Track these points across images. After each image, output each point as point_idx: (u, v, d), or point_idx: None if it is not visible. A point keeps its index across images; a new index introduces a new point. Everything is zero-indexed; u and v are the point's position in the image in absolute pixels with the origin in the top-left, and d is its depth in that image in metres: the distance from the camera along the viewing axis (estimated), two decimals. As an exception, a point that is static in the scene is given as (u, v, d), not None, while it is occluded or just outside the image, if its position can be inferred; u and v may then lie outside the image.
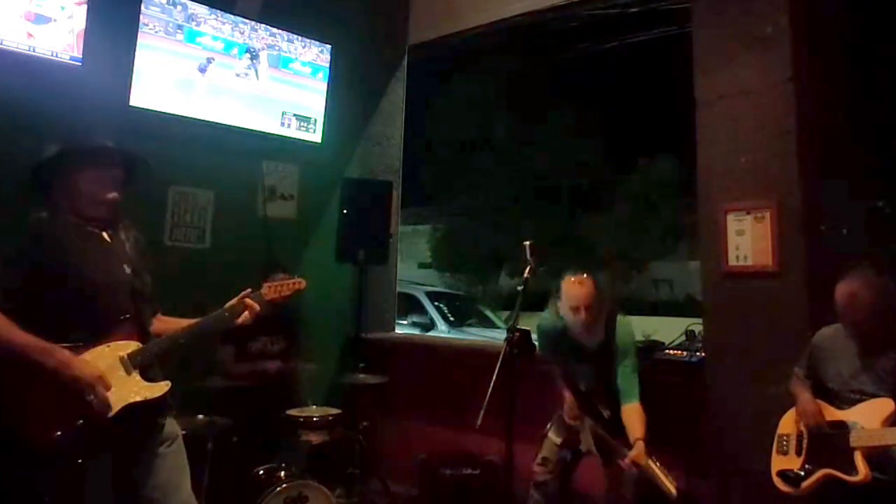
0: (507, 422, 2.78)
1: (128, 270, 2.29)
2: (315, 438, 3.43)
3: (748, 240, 3.20)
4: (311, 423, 3.46)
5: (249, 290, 2.47)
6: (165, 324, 2.42)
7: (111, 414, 2.09)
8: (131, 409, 2.15)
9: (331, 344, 4.80)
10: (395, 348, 4.95)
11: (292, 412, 3.52)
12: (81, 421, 2.02)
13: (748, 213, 3.20)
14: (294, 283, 2.54)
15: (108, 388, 2.11)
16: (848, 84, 3.38)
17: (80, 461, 2.03)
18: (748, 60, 3.27)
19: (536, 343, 3.44)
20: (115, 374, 2.15)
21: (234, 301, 2.44)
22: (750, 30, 3.27)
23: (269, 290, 2.49)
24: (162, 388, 2.25)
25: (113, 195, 2.28)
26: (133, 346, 2.22)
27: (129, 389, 2.16)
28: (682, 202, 17.42)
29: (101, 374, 2.10)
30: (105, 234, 2.30)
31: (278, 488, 3.09)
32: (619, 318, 3.18)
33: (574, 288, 3.11)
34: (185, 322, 2.42)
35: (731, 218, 3.26)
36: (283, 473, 3.23)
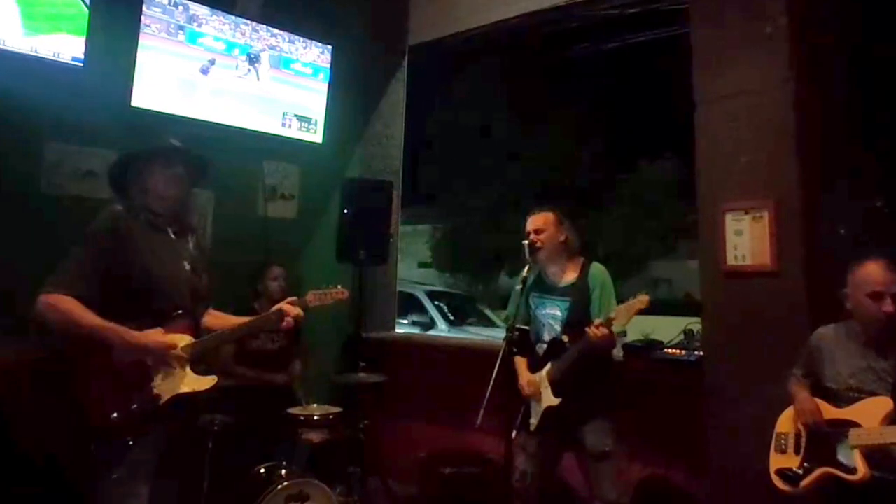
0: (506, 420, 2.80)
1: (187, 268, 2.40)
2: (316, 437, 3.44)
3: (746, 240, 3.20)
4: (311, 422, 3.46)
5: (295, 297, 2.64)
6: (216, 318, 2.54)
7: (162, 402, 2.22)
8: (179, 399, 2.26)
9: (331, 343, 4.81)
10: (395, 347, 4.95)
11: (293, 411, 3.52)
12: (135, 405, 2.18)
13: (746, 213, 3.21)
14: (337, 293, 2.79)
15: (175, 348, 2.25)
16: (848, 84, 3.38)
17: (130, 441, 2.18)
18: (748, 60, 3.28)
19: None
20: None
21: (281, 305, 2.60)
22: (750, 30, 3.27)
23: (314, 297, 2.70)
24: (209, 381, 2.36)
25: (175, 192, 2.39)
26: (186, 339, 2.32)
27: (179, 381, 2.27)
28: (681, 202, 17.42)
29: (167, 342, 2.24)
30: (170, 231, 2.41)
31: (279, 487, 3.10)
32: (594, 263, 3.21)
33: (531, 218, 3.24)
34: (234, 319, 2.57)
35: (729, 218, 3.26)
36: (283, 472, 3.23)
